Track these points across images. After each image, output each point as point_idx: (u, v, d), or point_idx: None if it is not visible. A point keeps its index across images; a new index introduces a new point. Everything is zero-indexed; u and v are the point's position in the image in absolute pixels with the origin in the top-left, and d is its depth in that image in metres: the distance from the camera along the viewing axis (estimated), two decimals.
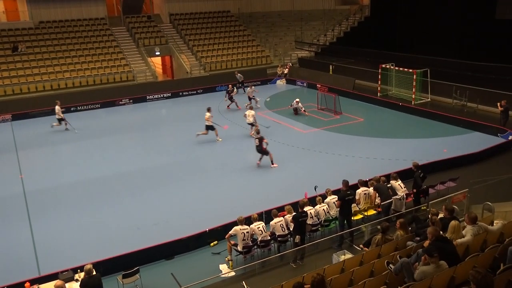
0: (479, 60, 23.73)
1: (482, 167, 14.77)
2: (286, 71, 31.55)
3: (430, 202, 11.42)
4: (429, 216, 8.80)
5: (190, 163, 16.93)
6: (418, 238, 8.56)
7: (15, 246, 11.51)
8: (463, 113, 20.35)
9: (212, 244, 11.12)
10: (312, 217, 10.66)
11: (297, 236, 9.94)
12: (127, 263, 9.57)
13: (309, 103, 23.74)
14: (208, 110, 19.07)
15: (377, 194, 11.50)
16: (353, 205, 11.18)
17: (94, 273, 8.16)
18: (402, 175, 12.24)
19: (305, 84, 29.57)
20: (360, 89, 26.26)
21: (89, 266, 8.02)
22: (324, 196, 11.36)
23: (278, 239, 10.34)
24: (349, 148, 17.28)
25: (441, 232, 7.20)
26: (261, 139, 15.86)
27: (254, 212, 10.69)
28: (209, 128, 18.87)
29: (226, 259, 10.26)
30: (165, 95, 28.12)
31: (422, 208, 11.60)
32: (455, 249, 6.90)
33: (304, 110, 22.43)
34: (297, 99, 22.73)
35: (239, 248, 10.02)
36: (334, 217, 11.04)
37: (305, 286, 6.22)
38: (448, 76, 22.99)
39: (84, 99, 25.92)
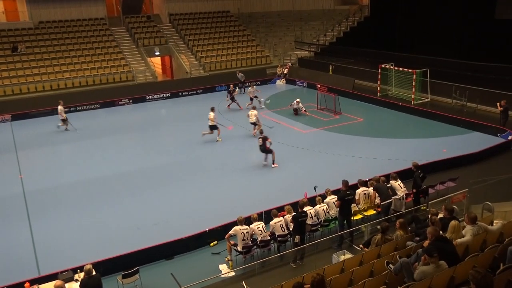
0: (479, 60, 23.73)
1: (482, 167, 14.77)
2: (285, 71, 31.56)
3: (430, 202, 11.43)
4: (429, 216, 8.81)
5: (190, 163, 16.93)
6: (417, 238, 8.56)
7: (15, 246, 11.51)
8: (462, 113, 20.36)
9: (212, 244, 11.13)
10: (311, 217, 10.67)
11: (297, 236, 9.94)
12: (127, 263, 9.57)
13: (309, 103, 23.73)
14: (212, 110, 19.00)
15: (376, 194, 11.51)
16: (352, 205, 11.18)
17: (94, 273, 8.15)
18: (401, 175, 12.25)
19: (304, 84, 29.57)
20: (360, 89, 26.27)
21: (89, 266, 8.02)
22: (323, 196, 11.37)
23: (278, 239, 10.34)
24: (349, 148, 17.28)
25: (440, 232, 7.21)
26: (264, 139, 15.84)
27: (254, 212, 10.69)
28: (213, 128, 18.84)
29: (226, 259, 10.27)
30: (164, 95, 28.12)
31: (422, 208, 11.60)
32: (455, 249, 6.90)
33: (304, 110, 22.43)
34: (298, 99, 22.71)
35: (239, 248, 10.02)
36: (333, 217, 11.04)
37: (305, 286, 6.22)
38: (447, 76, 22.99)
39: (83, 99, 25.91)
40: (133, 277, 9.31)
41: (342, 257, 9.23)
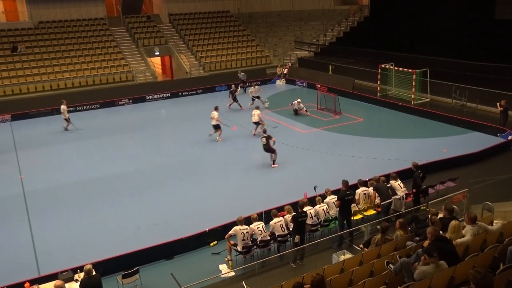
0: (479, 60, 23.74)
1: (482, 167, 14.77)
2: (285, 71, 31.55)
3: (430, 202, 11.44)
4: (429, 216, 8.81)
5: (190, 163, 16.92)
6: (417, 238, 8.56)
7: (15, 246, 11.51)
8: (462, 113, 20.36)
9: (211, 244, 11.12)
10: (311, 217, 10.67)
11: (296, 236, 9.94)
12: (127, 263, 9.57)
13: (309, 103, 23.73)
14: (216, 109, 18.95)
15: (376, 194, 11.51)
16: (352, 205, 11.18)
17: (94, 273, 8.15)
18: (401, 175, 12.24)
19: (304, 84, 29.57)
20: (360, 89, 26.27)
21: (88, 266, 8.02)
22: (323, 196, 11.36)
23: (278, 239, 10.34)
24: (349, 148, 17.28)
25: (440, 232, 7.21)
26: (268, 138, 15.83)
27: (253, 212, 10.69)
28: (216, 127, 18.82)
29: (226, 259, 10.26)
30: (164, 95, 28.11)
31: (422, 208, 11.60)
32: (455, 249, 6.91)
33: (306, 111, 22.42)
34: (299, 100, 22.70)
35: (239, 248, 10.02)
36: (333, 217, 11.04)
37: (304, 286, 6.22)
38: (447, 76, 23.00)
39: (83, 99, 25.89)
40: (133, 277, 9.31)
41: (342, 257, 9.23)
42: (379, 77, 24.54)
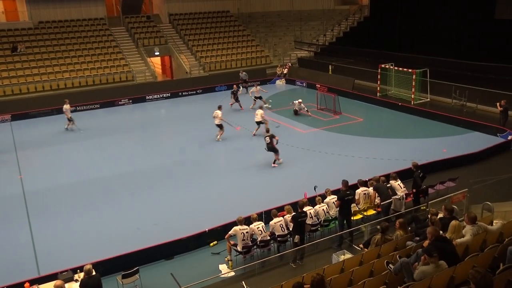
0: (479, 60, 23.74)
1: (482, 167, 14.77)
2: (285, 71, 31.55)
3: (430, 202, 11.45)
4: (429, 216, 8.81)
5: (190, 163, 16.92)
6: (417, 238, 8.56)
7: (15, 246, 11.51)
8: (462, 113, 20.36)
9: (211, 244, 11.13)
10: (311, 217, 10.67)
11: (296, 236, 9.95)
12: (127, 263, 9.57)
13: (309, 103, 23.73)
14: (219, 108, 18.92)
15: (376, 194, 11.51)
16: (352, 205, 11.18)
17: (94, 273, 8.15)
18: (401, 175, 12.25)
19: (304, 84, 29.57)
20: (360, 89, 26.27)
21: (88, 266, 8.02)
22: (323, 196, 11.37)
23: (278, 239, 10.34)
24: (349, 148, 17.28)
25: (440, 232, 7.21)
26: (272, 137, 15.83)
27: (253, 212, 10.69)
28: (218, 126, 18.80)
29: (226, 259, 10.27)
30: (164, 95, 28.11)
31: (422, 208, 11.60)
32: (455, 249, 6.91)
33: (307, 111, 22.40)
34: (300, 100, 22.69)
35: (239, 248, 10.02)
36: (333, 217, 11.04)
37: (304, 286, 6.22)
38: (447, 76, 23.00)
39: (83, 99, 25.88)
40: (133, 277, 9.31)
41: (342, 257, 9.23)
42: (379, 77, 24.54)
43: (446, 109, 21.30)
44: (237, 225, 10.03)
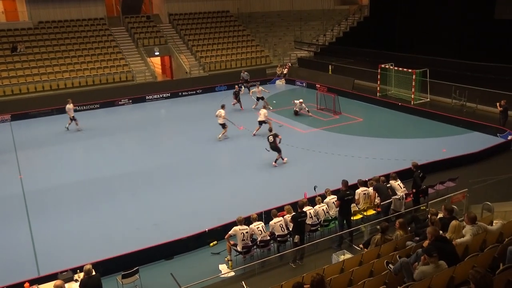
0: (479, 60, 23.76)
1: (482, 167, 14.78)
2: (285, 71, 31.55)
3: (430, 202, 11.45)
4: (429, 216, 8.81)
5: (190, 163, 16.91)
6: (417, 238, 8.56)
7: (15, 246, 11.51)
8: (462, 113, 20.37)
9: (211, 244, 11.13)
10: (311, 217, 10.67)
11: (296, 236, 9.95)
12: (127, 263, 9.57)
13: (309, 103, 23.71)
14: (222, 107, 18.90)
15: (376, 194, 11.51)
16: (352, 205, 11.18)
17: (94, 273, 8.15)
18: (401, 175, 12.25)
19: (304, 84, 29.57)
20: (360, 89, 26.27)
21: (88, 266, 8.02)
22: (323, 196, 11.36)
23: (278, 239, 10.34)
24: (349, 148, 17.28)
25: (440, 232, 7.21)
26: (275, 136, 15.84)
27: (253, 212, 10.69)
28: (222, 125, 18.77)
29: (226, 259, 10.27)
30: (164, 95, 28.10)
31: (422, 208, 11.60)
32: (455, 249, 6.91)
33: (308, 111, 22.39)
34: (301, 100, 22.68)
35: (239, 248, 10.02)
36: (333, 217, 11.04)
37: (304, 286, 6.22)
38: (447, 76, 23.00)
39: (83, 99, 25.85)
40: (133, 277, 9.31)
41: (342, 257, 9.23)
42: (379, 77, 24.54)
43: (446, 109, 21.31)
44: (237, 225, 10.03)
